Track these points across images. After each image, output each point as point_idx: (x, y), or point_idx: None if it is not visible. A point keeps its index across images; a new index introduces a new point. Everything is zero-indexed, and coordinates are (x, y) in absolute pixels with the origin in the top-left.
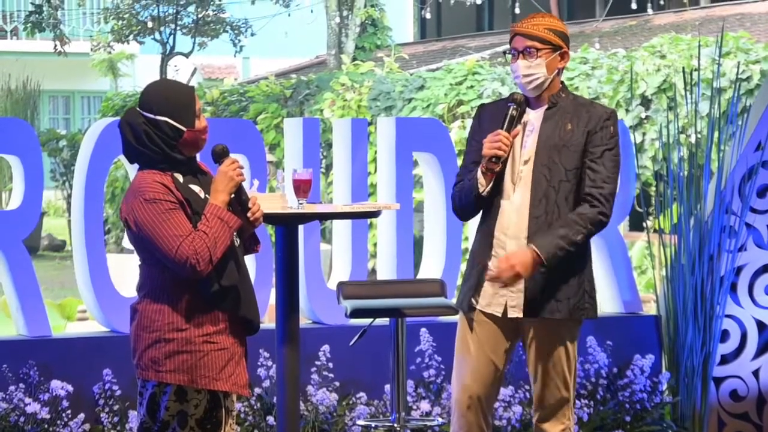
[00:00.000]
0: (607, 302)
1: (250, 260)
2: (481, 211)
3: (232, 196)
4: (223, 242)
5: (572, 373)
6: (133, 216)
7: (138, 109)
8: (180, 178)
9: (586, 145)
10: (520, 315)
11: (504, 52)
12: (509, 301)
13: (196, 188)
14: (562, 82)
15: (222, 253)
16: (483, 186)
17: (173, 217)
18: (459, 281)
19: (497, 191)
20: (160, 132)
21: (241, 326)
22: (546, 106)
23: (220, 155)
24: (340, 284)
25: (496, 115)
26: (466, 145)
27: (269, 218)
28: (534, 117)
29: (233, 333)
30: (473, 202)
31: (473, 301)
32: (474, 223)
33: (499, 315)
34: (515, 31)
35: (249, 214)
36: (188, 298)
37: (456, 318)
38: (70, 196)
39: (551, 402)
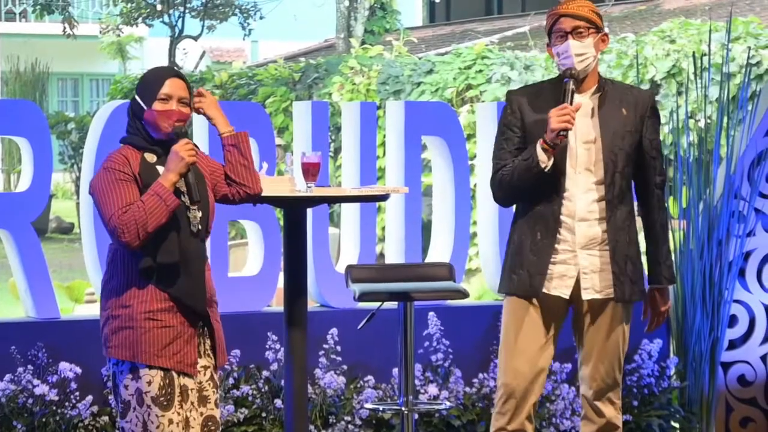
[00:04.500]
0: None
1: (258, 243)
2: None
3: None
4: (156, 218)
5: (624, 355)
6: (91, 182)
7: None
8: (153, 158)
9: (643, 131)
10: (595, 296)
11: (548, 34)
12: (583, 283)
13: (162, 170)
14: None
15: (154, 228)
16: (545, 162)
17: (120, 187)
18: (467, 266)
19: (554, 174)
20: (134, 106)
21: (192, 308)
22: (593, 91)
23: (178, 136)
24: (349, 268)
25: (539, 98)
26: (500, 133)
27: (278, 201)
28: (583, 101)
29: (183, 313)
30: (532, 180)
31: (543, 286)
32: (484, 208)
33: (567, 297)
34: (560, 12)
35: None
36: (135, 276)
37: (464, 302)
38: (78, 178)
39: (609, 383)
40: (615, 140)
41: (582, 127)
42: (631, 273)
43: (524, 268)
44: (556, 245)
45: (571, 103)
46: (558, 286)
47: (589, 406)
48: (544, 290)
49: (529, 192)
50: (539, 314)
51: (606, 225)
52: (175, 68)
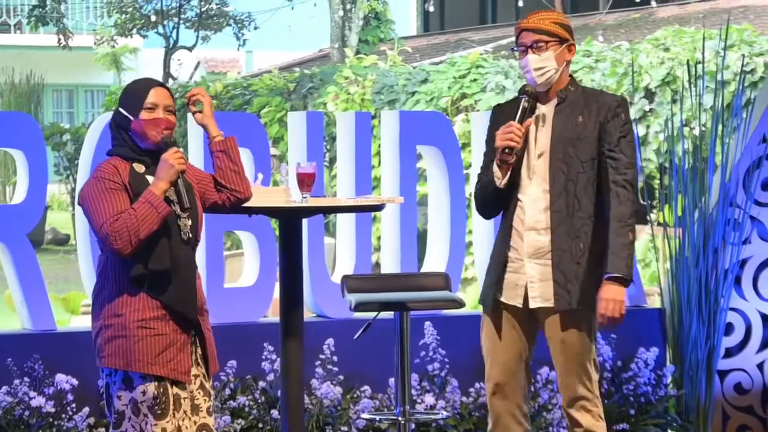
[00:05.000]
0: None
1: (254, 254)
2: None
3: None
4: (148, 225)
5: (592, 362)
6: (81, 192)
7: None
8: (142, 168)
9: (600, 136)
10: (543, 305)
11: (512, 49)
12: (530, 292)
13: (152, 179)
14: (570, 75)
15: (146, 235)
16: (499, 179)
17: (111, 195)
18: (463, 275)
19: (514, 185)
20: (117, 118)
21: (183, 316)
22: (556, 101)
23: (167, 145)
24: (344, 278)
25: (511, 112)
26: (485, 145)
27: (273, 212)
28: (546, 111)
29: (175, 320)
30: (492, 196)
31: (496, 294)
32: (479, 217)
33: (520, 306)
34: (522, 27)
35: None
36: (127, 285)
37: (460, 312)
38: (73, 189)
39: (577, 392)
40: (566, 149)
41: (539, 138)
42: (582, 281)
43: (487, 277)
44: (510, 254)
45: (521, 121)
46: (512, 296)
47: (566, 415)
48: (502, 299)
49: (498, 205)
50: (504, 323)
51: (551, 234)
52: (169, 78)
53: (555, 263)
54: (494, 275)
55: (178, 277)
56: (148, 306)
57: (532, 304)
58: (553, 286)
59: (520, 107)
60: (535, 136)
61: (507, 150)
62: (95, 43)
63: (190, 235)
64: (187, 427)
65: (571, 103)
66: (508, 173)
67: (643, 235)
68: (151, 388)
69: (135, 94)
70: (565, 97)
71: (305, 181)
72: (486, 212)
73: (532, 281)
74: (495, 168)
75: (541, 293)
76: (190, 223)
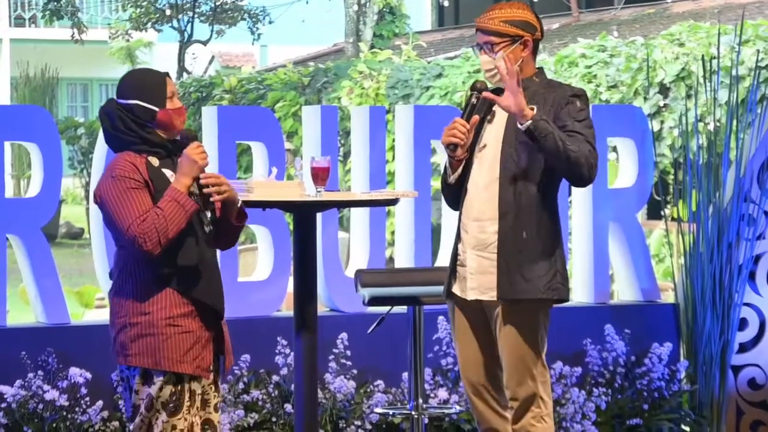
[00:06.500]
0: (626, 290)
1: (268, 248)
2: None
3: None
4: (177, 224)
5: (539, 360)
6: (100, 192)
7: (113, 97)
8: (156, 161)
9: (554, 123)
10: (481, 297)
11: (472, 47)
12: (469, 283)
13: (168, 172)
14: (540, 68)
15: (175, 234)
16: (450, 174)
17: (134, 195)
18: None
19: (466, 177)
20: (133, 115)
21: (209, 311)
22: None
23: (188, 139)
24: (358, 272)
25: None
26: None
27: (287, 206)
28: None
29: (201, 317)
30: (446, 189)
31: (452, 287)
32: None
33: (468, 299)
34: (476, 25)
35: (212, 195)
36: (153, 281)
37: None
38: (88, 183)
39: (516, 391)
40: (518, 137)
41: (494, 128)
42: (525, 272)
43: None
44: (459, 246)
45: (468, 118)
46: (462, 288)
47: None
48: (456, 292)
49: (456, 197)
50: (462, 316)
51: (498, 222)
52: (184, 72)
53: (499, 251)
54: (450, 268)
55: (204, 271)
56: (176, 303)
57: (470, 296)
58: (496, 275)
59: (468, 103)
60: (488, 127)
61: (451, 146)
62: (110, 37)
63: (212, 228)
64: (197, 423)
65: (530, 94)
66: (460, 168)
67: (657, 230)
68: (169, 384)
69: (155, 85)
70: (525, 88)
71: (319, 176)
72: (449, 204)
73: (471, 273)
74: (447, 164)
75: (479, 284)
76: (209, 215)
